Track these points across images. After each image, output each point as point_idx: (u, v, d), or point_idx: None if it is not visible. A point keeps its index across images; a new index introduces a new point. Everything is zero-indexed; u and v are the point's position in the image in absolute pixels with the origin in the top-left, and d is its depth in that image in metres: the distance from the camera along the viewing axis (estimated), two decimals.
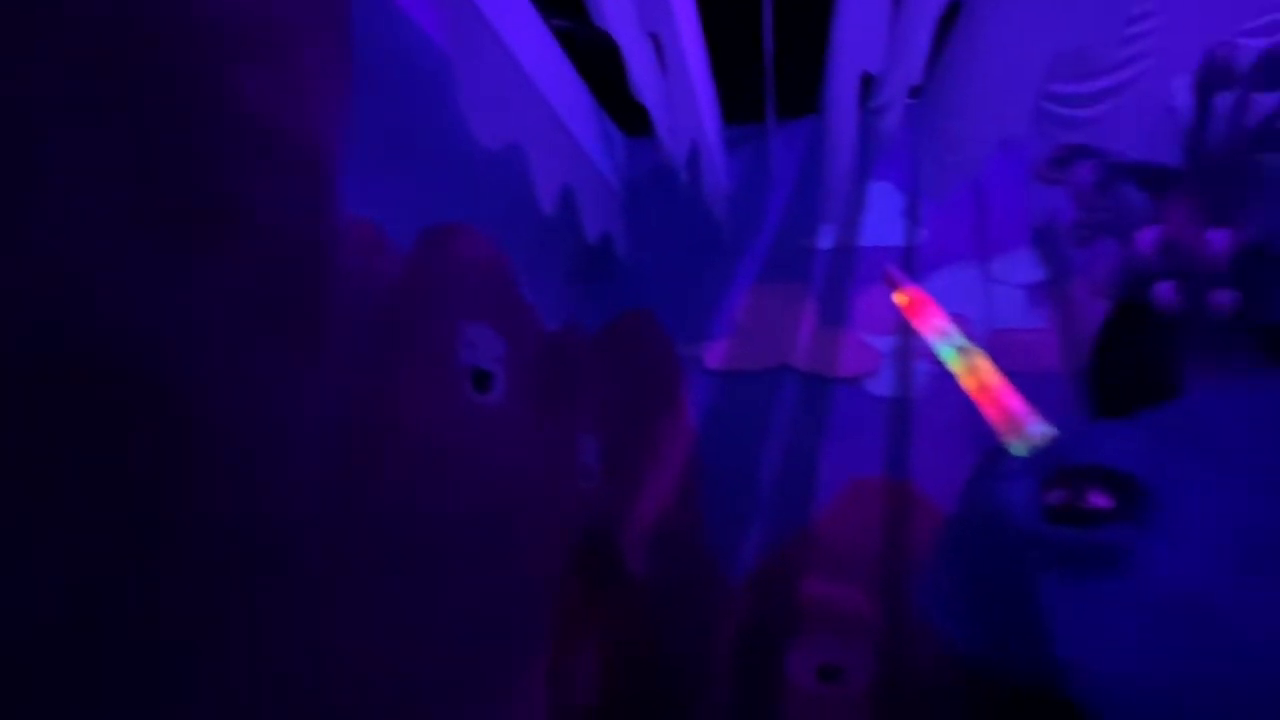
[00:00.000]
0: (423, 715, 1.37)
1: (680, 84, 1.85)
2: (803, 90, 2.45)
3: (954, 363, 1.54)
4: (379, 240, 1.39)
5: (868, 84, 2.07)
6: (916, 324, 1.64)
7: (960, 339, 1.56)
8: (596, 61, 2.15)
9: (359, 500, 1.23)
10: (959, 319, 2.23)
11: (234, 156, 0.92)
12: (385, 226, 1.39)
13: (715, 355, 2.49)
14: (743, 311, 2.52)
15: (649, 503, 2.37)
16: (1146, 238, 1.37)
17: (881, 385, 2.37)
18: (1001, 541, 1.20)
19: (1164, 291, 1.36)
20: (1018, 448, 1.41)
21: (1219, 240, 1.30)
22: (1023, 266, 2.32)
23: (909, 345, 2.37)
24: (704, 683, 2.19)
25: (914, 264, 2.41)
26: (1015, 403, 1.44)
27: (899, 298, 1.68)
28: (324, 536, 1.13)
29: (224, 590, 0.91)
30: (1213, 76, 1.34)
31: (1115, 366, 1.42)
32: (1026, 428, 1.42)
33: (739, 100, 2.50)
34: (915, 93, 2.33)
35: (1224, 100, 1.39)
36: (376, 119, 1.32)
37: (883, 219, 2.46)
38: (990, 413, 1.47)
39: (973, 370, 1.50)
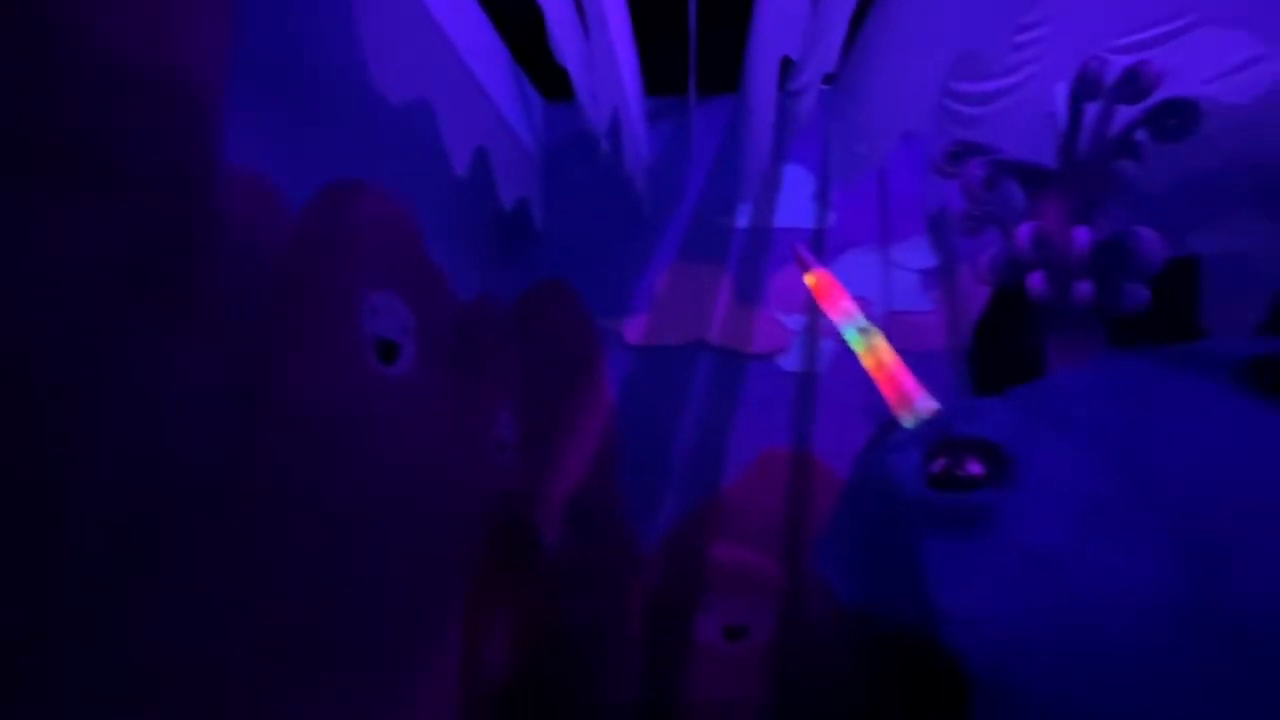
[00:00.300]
0: (328, 688, 1.32)
1: (602, 48, 1.80)
2: (724, 67, 2.46)
3: (856, 343, 1.63)
4: (269, 196, 1.26)
5: (787, 67, 2.11)
6: (825, 306, 1.72)
7: (863, 321, 1.65)
8: (515, 20, 2.05)
9: (249, 477, 1.14)
10: (861, 300, 2.36)
11: (89, 92, 0.79)
12: (276, 181, 1.26)
13: (635, 330, 2.51)
14: (662, 287, 2.54)
15: (566, 476, 2.37)
16: (1024, 232, 1.51)
17: (791, 361, 2.48)
18: (890, 505, 1.31)
19: (1036, 281, 1.51)
20: (907, 421, 1.52)
21: (1082, 237, 1.45)
22: (918, 253, 2.49)
23: (817, 324, 2.48)
24: (616, 649, 2.25)
25: (823, 246, 2.52)
26: (907, 380, 1.55)
27: (808, 278, 1.76)
28: (211, 515, 1.04)
29: (98, 578, 0.82)
30: (1084, 87, 1.48)
31: (992, 349, 1.57)
32: (915, 403, 1.53)
33: (661, 72, 2.48)
34: (830, 79, 2.40)
35: (1093, 110, 1.53)
36: (266, 61, 1.19)
37: (796, 201, 2.55)
38: (885, 389, 1.57)
39: (872, 350, 1.60)
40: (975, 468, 1.20)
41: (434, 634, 1.75)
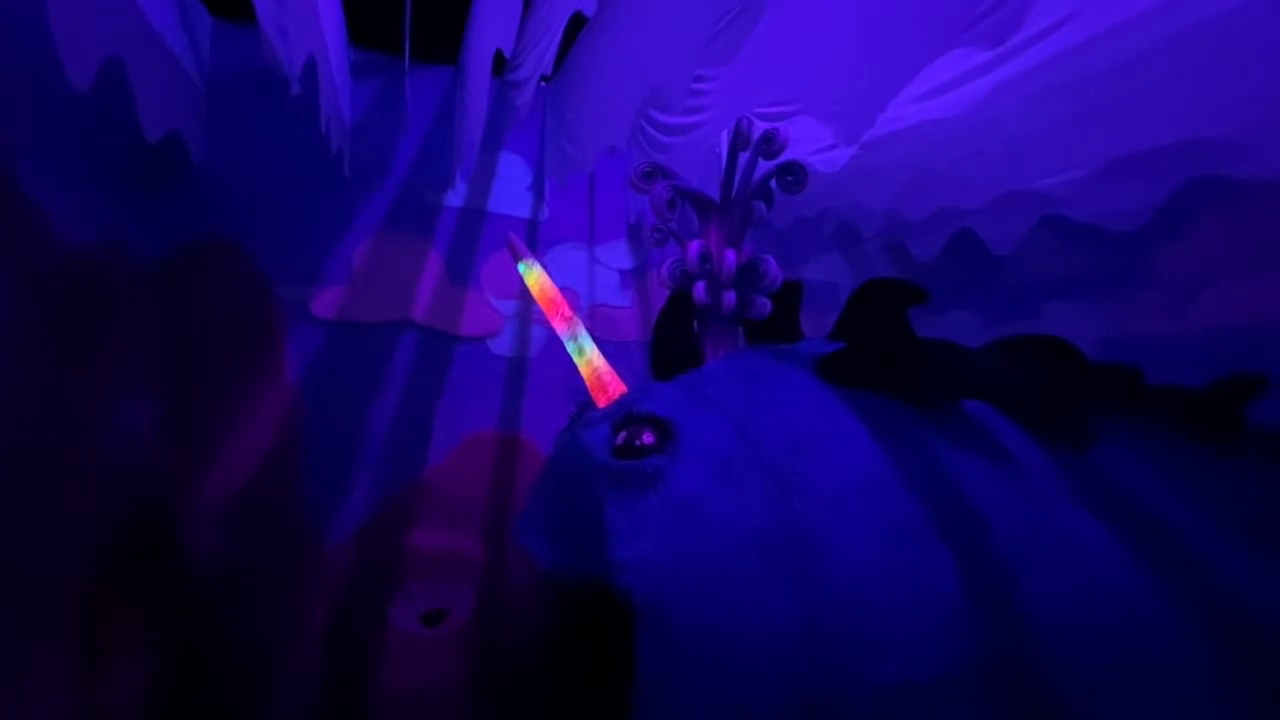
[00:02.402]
0: None
1: None
2: (442, 35, 2.37)
3: (575, 353, 1.78)
4: None
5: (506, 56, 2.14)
6: (547, 313, 1.81)
7: (579, 330, 1.80)
8: None
9: None
10: (569, 291, 2.54)
11: None
12: None
13: (326, 303, 2.24)
14: (361, 259, 2.32)
15: (229, 470, 1.99)
16: (693, 248, 1.85)
17: (502, 345, 2.53)
18: (581, 474, 1.48)
19: (699, 290, 1.86)
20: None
21: (730, 258, 1.84)
22: (619, 254, 2.80)
23: (529, 310, 2.58)
24: (291, 654, 2.00)
25: (536, 237, 2.64)
26: (608, 375, 1.75)
27: (524, 269, 1.83)
28: None
29: None
30: (737, 140, 1.87)
31: (666, 341, 1.88)
32: (610, 391, 1.75)
33: (370, 25, 2.26)
34: (547, 79, 2.52)
35: (743, 158, 1.95)
36: None
37: (511, 189, 2.61)
38: (590, 385, 1.75)
39: (584, 356, 1.76)
40: (648, 438, 1.44)
41: (26, 662, 1.33)
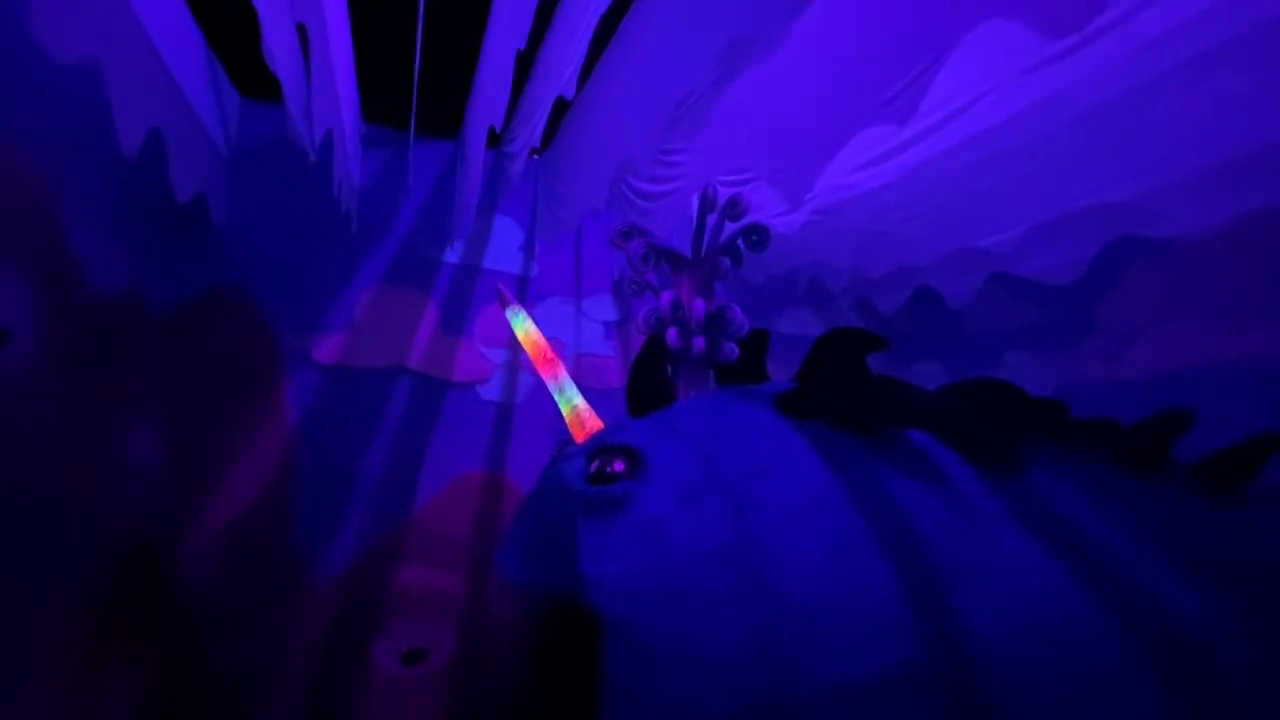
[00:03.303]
0: None
1: (322, 65, 1.82)
2: (445, 111, 2.65)
3: (563, 404, 1.93)
4: None
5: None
6: (537, 367, 1.97)
7: (565, 382, 1.96)
8: (212, 6, 1.92)
9: None
10: (556, 341, 2.71)
11: None
12: None
13: (328, 350, 2.40)
14: (362, 309, 2.51)
15: (226, 505, 2.09)
16: (665, 298, 2.03)
17: (491, 391, 2.68)
18: (559, 502, 1.59)
19: (671, 335, 2.03)
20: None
21: (699, 306, 2.02)
22: (603, 307, 2.99)
23: (518, 358, 2.75)
24: (277, 691, 2.03)
25: (526, 291, 2.84)
26: (591, 419, 1.90)
27: (510, 315, 2.01)
28: None
29: None
30: (704, 204, 2.10)
31: (642, 382, 2.03)
32: (587, 425, 1.89)
33: (380, 102, 2.54)
34: (537, 152, 2.79)
35: (712, 219, 2.17)
36: None
37: (504, 248, 2.84)
38: (574, 431, 1.89)
39: (570, 405, 1.91)
40: (619, 465, 1.57)
41: (15, 684, 1.40)
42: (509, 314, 2.07)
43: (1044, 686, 1.21)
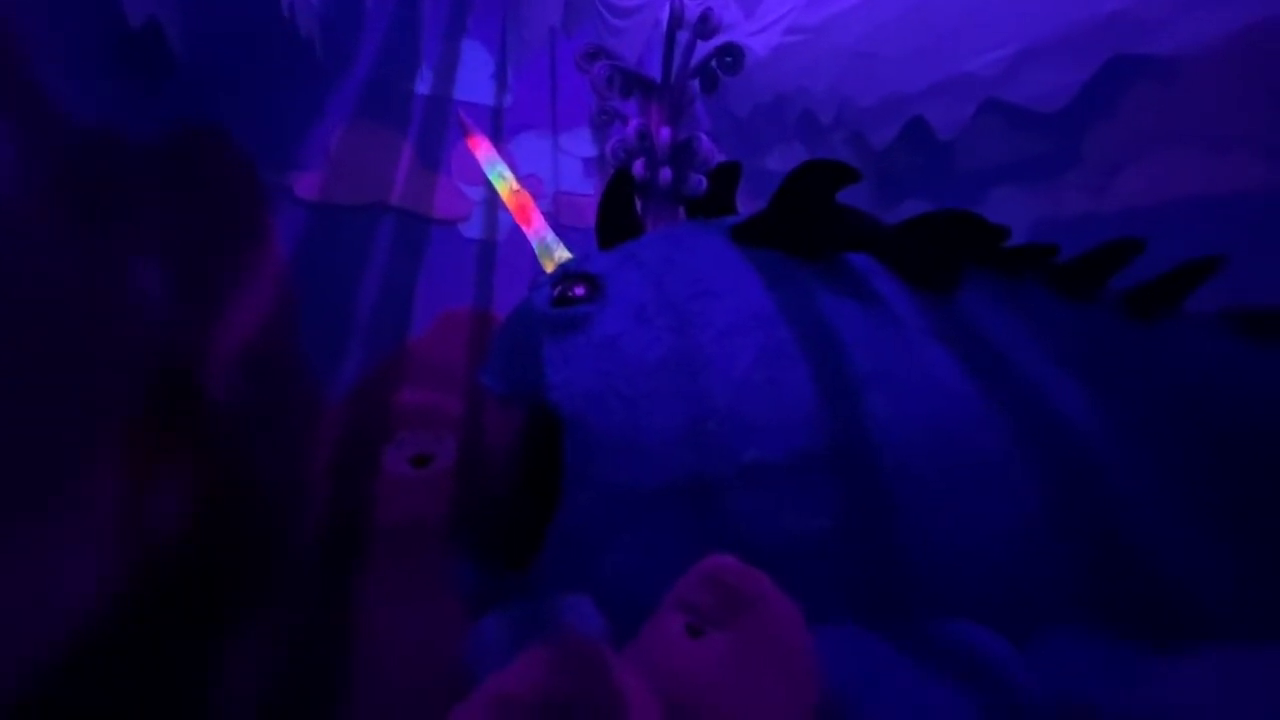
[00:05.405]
0: None
1: None
2: None
3: (505, 194, 1.98)
4: None
5: None
6: (482, 162, 2.00)
7: (513, 180, 2.00)
8: None
9: None
10: (533, 179, 2.73)
11: None
12: None
13: (307, 185, 2.45)
14: (337, 144, 2.50)
15: (235, 331, 2.29)
16: (631, 126, 2.02)
17: (473, 229, 2.75)
18: (528, 324, 1.76)
19: (637, 166, 2.05)
20: (549, 266, 1.97)
21: (664, 135, 2.01)
22: (582, 142, 2.94)
23: (497, 195, 2.77)
24: (301, 491, 2.39)
25: (501, 125, 2.78)
26: (548, 234, 1.98)
27: (471, 143, 2.02)
28: None
29: None
30: (674, 20, 1.99)
31: (609, 216, 2.09)
32: (554, 252, 1.99)
33: None
34: None
35: (682, 37, 2.07)
36: None
37: (476, 77, 2.73)
38: (533, 241, 1.99)
39: (520, 205, 1.98)
40: (579, 290, 1.70)
41: (78, 488, 1.69)
42: (486, 166, 2.08)
43: (932, 471, 1.43)
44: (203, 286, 2.24)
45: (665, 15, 2.14)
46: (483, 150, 2.04)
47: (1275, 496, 1.66)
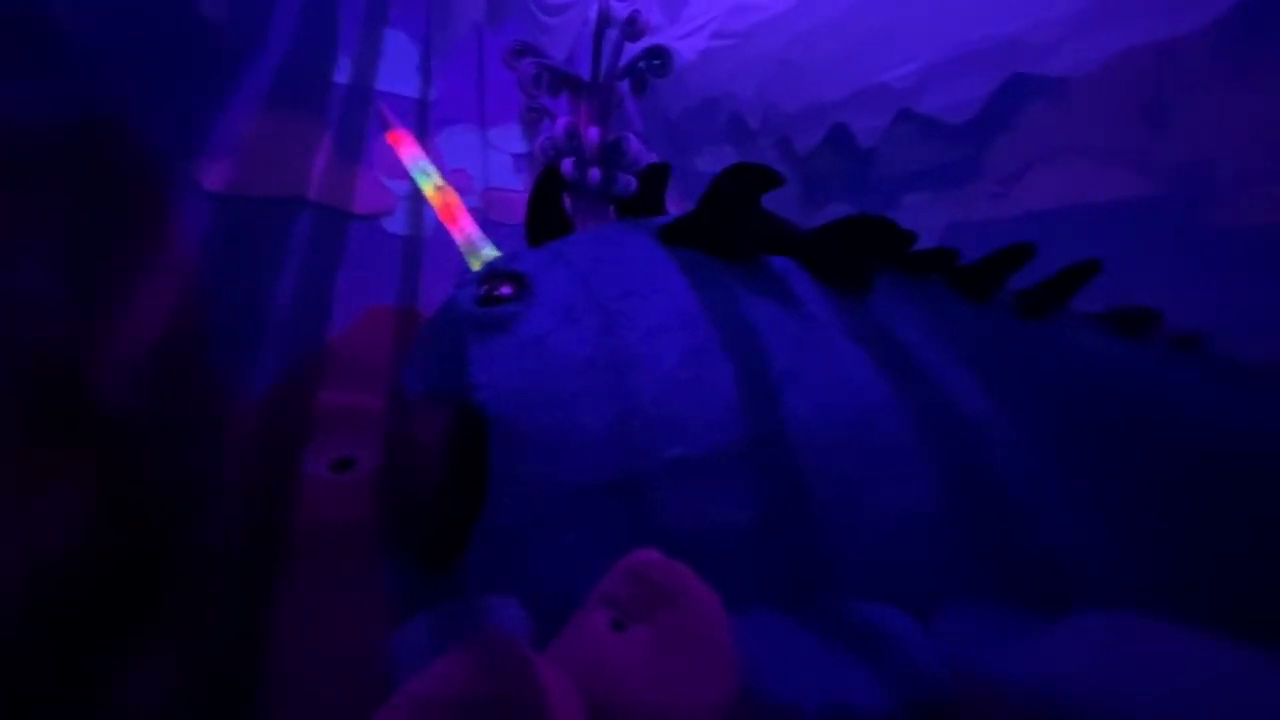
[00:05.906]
0: None
1: None
2: None
3: (429, 192, 1.94)
4: None
5: None
6: (404, 158, 1.95)
7: (437, 177, 1.96)
8: None
9: None
10: (461, 173, 2.67)
11: None
12: None
13: (215, 176, 2.30)
14: (248, 133, 2.36)
15: (136, 330, 2.13)
16: (560, 124, 2.01)
17: (396, 224, 2.66)
18: (453, 324, 1.73)
19: (566, 165, 2.05)
20: (475, 264, 1.94)
21: (593, 134, 2.02)
22: (512, 138, 2.90)
23: (421, 190, 2.70)
24: (213, 497, 2.26)
25: (427, 118, 2.71)
26: (474, 232, 1.95)
27: (391, 138, 1.96)
28: None
29: None
30: (602, 20, 2.00)
31: (539, 214, 2.08)
32: (481, 251, 1.96)
33: None
34: None
35: (610, 35, 2.08)
36: None
37: (399, 68, 2.64)
38: (458, 239, 1.95)
39: (445, 203, 1.93)
40: (506, 290, 1.69)
41: None
42: (408, 163, 2.01)
43: (846, 463, 1.51)
44: (94, 284, 2.06)
45: (594, 14, 2.14)
46: (405, 146, 1.98)
47: (1147, 474, 1.85)
